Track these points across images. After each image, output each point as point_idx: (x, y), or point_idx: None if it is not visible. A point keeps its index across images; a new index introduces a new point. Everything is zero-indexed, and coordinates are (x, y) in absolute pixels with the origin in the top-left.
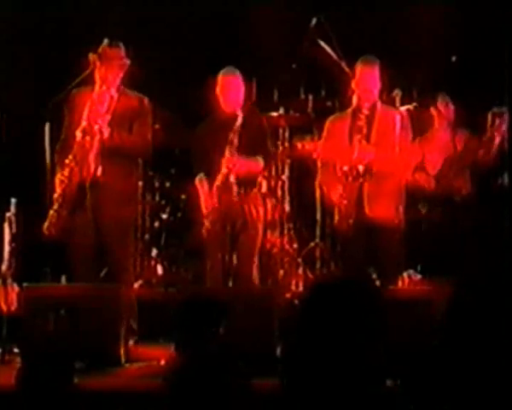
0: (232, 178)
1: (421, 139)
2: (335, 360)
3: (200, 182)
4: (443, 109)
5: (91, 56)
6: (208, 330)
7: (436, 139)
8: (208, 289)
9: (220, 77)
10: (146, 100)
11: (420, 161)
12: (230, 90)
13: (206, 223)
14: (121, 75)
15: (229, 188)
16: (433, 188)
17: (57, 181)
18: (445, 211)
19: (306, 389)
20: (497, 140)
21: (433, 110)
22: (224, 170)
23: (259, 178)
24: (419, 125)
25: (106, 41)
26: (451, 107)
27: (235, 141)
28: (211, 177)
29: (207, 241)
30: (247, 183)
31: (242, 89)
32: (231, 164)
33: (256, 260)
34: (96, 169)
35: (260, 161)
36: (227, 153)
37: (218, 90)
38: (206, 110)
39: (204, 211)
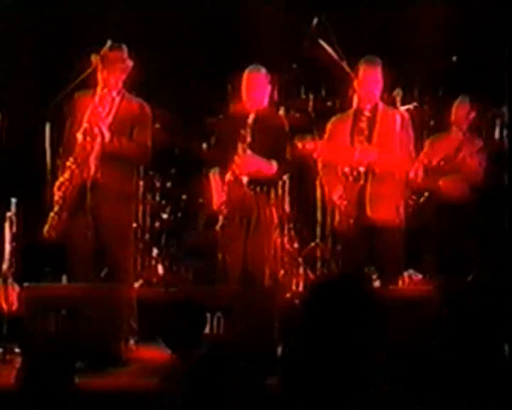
0: (243, 177)
1: (434, 139)
2: (333, 359)
3: (213, 176)
4: (462, 113)
5: (94, 58)
6: (190, 332)
7: (448, 141)
8: (209, 289)
9: (245, 73)
10: (147, 106)
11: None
12: (254, 88)
13: (221, 219)
14: (123, 78)
15: (239, 184)
16: (420, 179)
17: (58, 183)
18: (431, 208)
19: (306, 389)
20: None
21: (455, 109)
22: (234, 166)
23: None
24: (427, 128)
25: (108, 43)
26: (472, 111)
27: (248, 138)
28: (224, 171)
29: (222, 237)
30: (260, 182)
31: (267, 88)
32: (241, 161)
33: (269, 262)
34: (96, 171)
35: (273, 165)
36: (239, 149)
37: (242, 86)
38: (208, 109)
39: (215, 205)
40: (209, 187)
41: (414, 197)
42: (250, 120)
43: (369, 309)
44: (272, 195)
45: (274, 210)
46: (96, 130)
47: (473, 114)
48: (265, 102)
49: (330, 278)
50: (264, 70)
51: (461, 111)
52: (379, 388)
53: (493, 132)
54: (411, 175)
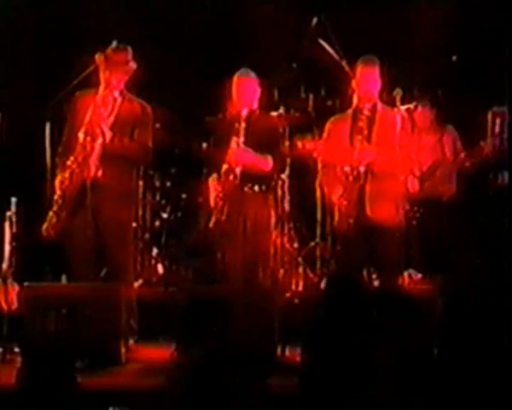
0: (237, 169)
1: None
2: (335, 360)
3: (212, 182)
4: (429, 115)
5: (98, 57)
6: (208, 331)
7: (420, 141)
8: (209, 289)
9: (235, 77)
10: (148, 107)
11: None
12: (244, 92)
13: (214, 215)
14: (126, 79)
15: (233, 178)
16: (417, 190)
17: (57, 182)
18: (429, 213)
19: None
20: (496, 142)
21: (418, 115)
22: (228, 159)
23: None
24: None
25: (114, 44)
26: (429, 109)
27: (242, 133)
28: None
29: (215, 233)
30: (257, 181)
31: (257, 91)
32: (236, 154)
33: (265, 261)
34: (96, 171)
35: (269, 160)
36: (233, 143)
37: (232, 89)
38: (208, 109)
39: (212, 205)
40: (208, 192)
41: (420, 211)
42: (243, 117)
43: (368, 309)
44: (270, 195)
45: (271, 210)
46: (98, 130)
47: (434, 114)
48: (255, 104)
49: (330, 281)
50: (253, 74)
51: (425, 114)
52: (380, 388)
53: (493, 132)
54: (409, 188)
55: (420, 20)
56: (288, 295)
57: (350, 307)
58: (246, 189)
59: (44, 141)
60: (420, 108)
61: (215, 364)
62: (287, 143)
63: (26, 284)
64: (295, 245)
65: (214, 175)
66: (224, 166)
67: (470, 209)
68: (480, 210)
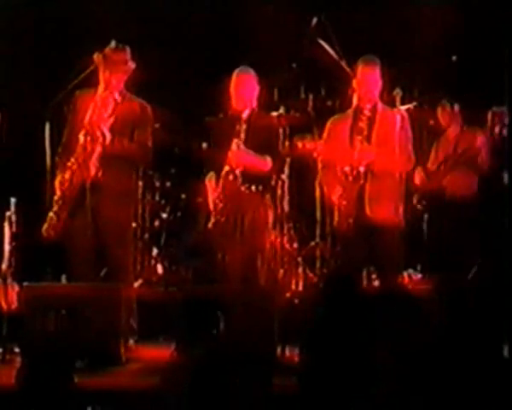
0: (238, 171)
1: (437, 143)
2: (336, 362)
3: (209, 181)
4: (448, 113)
5: (96, 57)
6: (208, 331)
7: (446, 143)
8: (208, 289)
9: (234, 75)
10: (148, 106)
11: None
12: (243, 89)
13: (213, 216)
14: (125, 79)
15: (234, 179)
16: (424, 183)
17: (57, 183)
18: (429, 211)
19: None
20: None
21: (440, 114)
22: (229, 161)
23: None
24: (426, 128)
25: (112, 44)
26: (456, 109)
27: (242, 135)
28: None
29: (214, 234)
30: (256, 181)
31: (256, 89)
32: (236, 156)
33: (264, 261)
34: (96, 171)
35: (268, 161)
36: (233, 145)
37: (231, 87)
38: (208, 109)
39: (211, 207)
40: (205, 192)
41: (424, 202)
42: (243, 118)
43: (367, 309)
44: (267, 195)
45: (269, 210)
46: (98, 132)
47: (456, 110)
48: (255, 102)
49: (328, 281)
50: (252, 71)
51: (445, 112)
52: (379, 387)
53: (493, 131)
54: (416, 181)
55: (420, 20)
56: (287, 295)
57: (349, 307)
58: (243, 189)
59: (44, 141)
60: (441, 105)
61: (215, 364)
62: (287, 144)
63: (25, 284)
64: (295, 245)
65: (211, 174)
66: (225, 168)
67: (471, 209)
68: (480, 210)
